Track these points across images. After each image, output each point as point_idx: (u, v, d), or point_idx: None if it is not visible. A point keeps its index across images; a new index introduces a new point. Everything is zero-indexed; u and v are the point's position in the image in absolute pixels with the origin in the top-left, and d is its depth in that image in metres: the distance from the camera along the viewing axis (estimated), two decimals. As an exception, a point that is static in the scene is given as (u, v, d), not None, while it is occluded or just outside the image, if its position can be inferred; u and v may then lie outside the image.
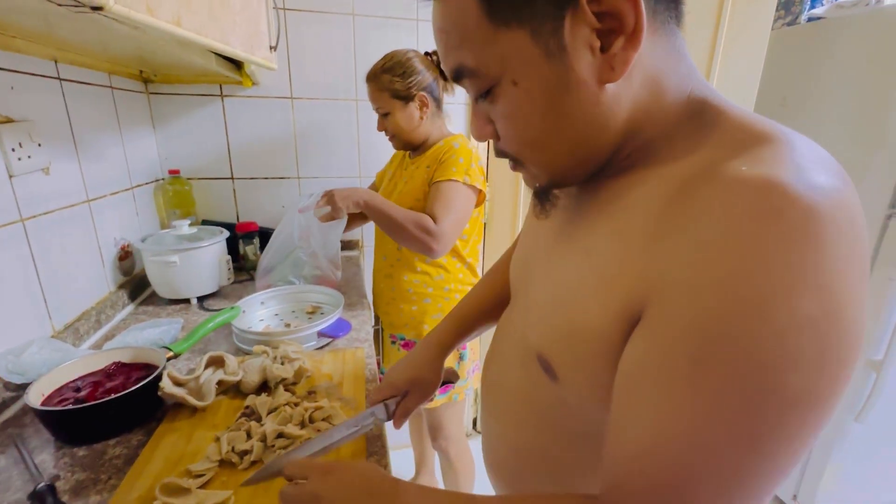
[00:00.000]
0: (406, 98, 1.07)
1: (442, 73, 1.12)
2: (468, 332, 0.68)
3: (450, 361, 1.17)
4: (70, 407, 0.64)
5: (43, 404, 0.65)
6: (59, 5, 0.47)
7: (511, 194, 1.69)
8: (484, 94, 0.37)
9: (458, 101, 1.57)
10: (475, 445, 1.25)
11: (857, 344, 0.28)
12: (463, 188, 1.05)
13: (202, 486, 0.56)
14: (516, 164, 0.41)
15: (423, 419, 1.48)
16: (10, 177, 0.78)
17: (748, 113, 0.35)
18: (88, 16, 0.54)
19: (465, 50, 0.35)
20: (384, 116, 1.11)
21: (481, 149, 1.63)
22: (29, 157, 0.81)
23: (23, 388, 0.66)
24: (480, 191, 1.09)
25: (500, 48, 0.33)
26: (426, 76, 1.08)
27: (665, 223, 0.32)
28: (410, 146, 1.16)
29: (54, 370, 0.70)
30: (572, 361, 0.39)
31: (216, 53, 0.96)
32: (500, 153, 0.41)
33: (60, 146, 0.92)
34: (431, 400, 0.68)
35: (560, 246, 0.44)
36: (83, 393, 0.68)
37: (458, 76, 0.37)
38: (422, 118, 1.10)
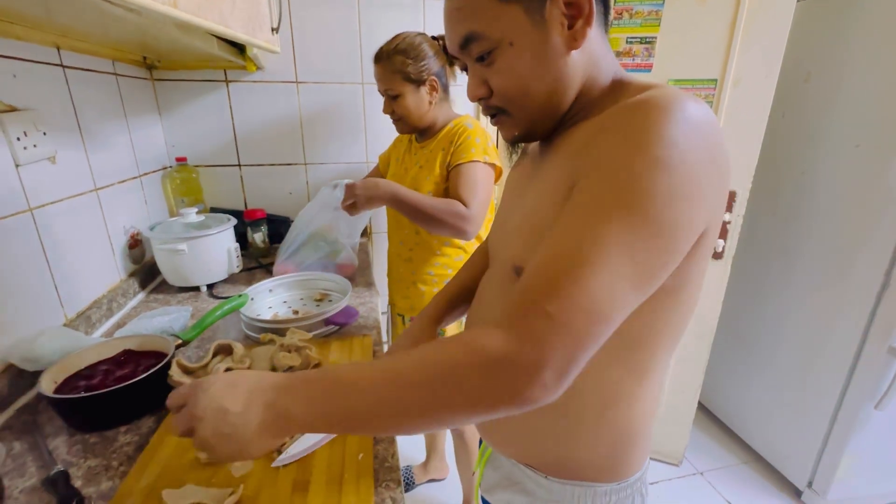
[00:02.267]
0: (418, 81, 1.05)
1: (448, 58, 1.09)
2: (459, 305, 0.74)
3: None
4: (81, 395, 0.65)
5: (55, 392, 0.66)
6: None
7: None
8: (483, 58, 0.48)
9: (463, 83, 1.53)
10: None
11: (695, 186, 0.39)
12: (483, 167, 1.04)
13: (212, 473, 0.56)
14: (500, 116, 0.52)
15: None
16: (17, 166, 0.78)
17: (647, 81, 0.48)
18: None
19: (476, 20, 0.47)
20: (393, 99, 1.08)
21: (491, 129, 1.60)
22: (34, 146, 0.81)
23: (36, 375, 0.67)
24: (498, 167, 1.08)
25: (503, 19, 0.46)
26: (436, 61, 1.06)
27: (590, 142, 0.45)
28: (416, 130, 1.14)
29: (66, 358, 0.71)
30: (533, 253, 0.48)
31: (217, 37, 0.94)
32: (489, 108, 0.52)
33: (66, 135, 0.92)
34: None
35: (529, 188, 0.56)
36: (94, 381, 0.69)
37: (466, 42, 0.48)
38: (431, 102, 1.08)
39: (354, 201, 1.04)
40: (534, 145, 0.61)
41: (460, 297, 0.74)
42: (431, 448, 1.66)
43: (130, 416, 0.68)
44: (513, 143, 0.56)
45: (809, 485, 1.55)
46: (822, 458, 1.50)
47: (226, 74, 1.36)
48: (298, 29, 1.36)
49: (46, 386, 0.65)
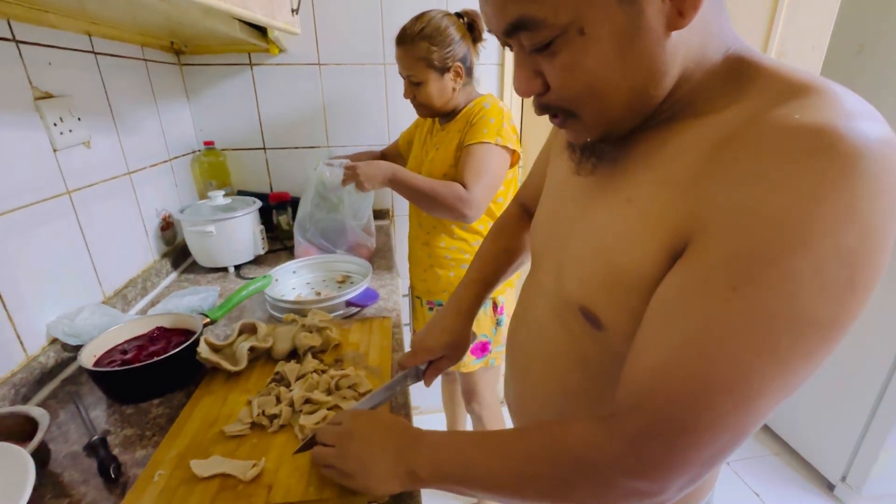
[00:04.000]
0: (442, 69, 1.02)
1: (473, 37, 1.06)
2: (491, 289, 0.72)
3: (486, 327, 1.17)
4: (116, 368, 0.68)
5: (94, 365, 0.70)
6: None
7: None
8: (541, 47, 0.36)
9: (488, 62, 1.49)
10: (507, 412, 1.26)
11: (880, 274, 0.30)
12: (495, 150, 1.01)
13: (236, 445, 0.59)
14: (566, 118, 0.40)
15: (457, 384, 1.50)
16: (55, 151, 0.81)
17: (786, 66, 0.36)
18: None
19: (534, 1, 0.34)
20: (416, 85, 1.05)
21: (514, 108, 1.56)
22: (70, 131, 0.85)
23: (78, 349, 0.72)
24: (514, 151, 1.05)
25: None
26: (461, 45, 1.02)
27: (711, 166, 0.34)
28: (437, 114, 1.12)
29: (104, 334, 0.75)
30: (617, 306, 0.40)
31: (239, 20, 0.94)
32: (546, 108, 0.40)
33: (99, 120, 0.95)
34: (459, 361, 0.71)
35: (596, 200, 0.45)
36: (129, 355, 0.73)
37: (514, 29, 0.36)
38: (454, 89, 1.05)
39: (354, 180, 1.04)
40: None
41: (495, 278, 0.71)
42: (453, 427, 1.68)
43: (162, 390, 0.72)
44: (583, 149, 0.45)
45: (843, 479, 1.50)
46: (858, 451, 1.44)
47: (250, 58, 1.37)
48: (320, 10, 1.35)
49: (86, 359, 0.70)
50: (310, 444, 0.54)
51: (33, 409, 0.58)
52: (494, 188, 1.03)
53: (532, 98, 0.41)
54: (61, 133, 0.82)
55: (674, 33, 0.34)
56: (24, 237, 0.73)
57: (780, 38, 1.16)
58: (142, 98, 1.14)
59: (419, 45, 1.00)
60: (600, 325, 0.43)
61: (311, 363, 0.73)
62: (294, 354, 0.78)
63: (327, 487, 0.52)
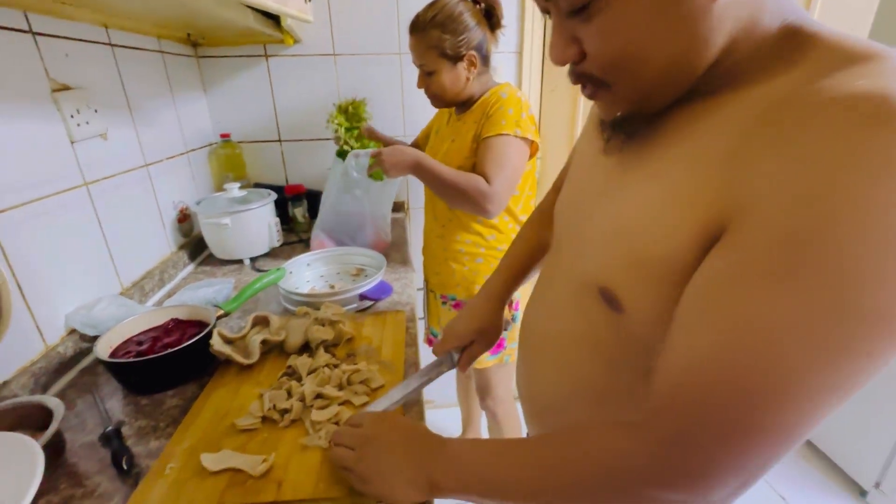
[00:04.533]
0: (455, 58, 0.99)
1: (490, 24, 1.02)
2: (523, 278, 0.71)
3: None
4: (131, 360, 0.69)
5: (110, 356, 0.71)
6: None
7: (565, 146, 1.57)
8: (578, 9, 0.34)
9: (506, 50, 1.45)
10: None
11: None
12: (514, 141, 0.97)
13: (247, 439, 0.58)
14: (598, 89, 0.39)
15: (472, 379, 1.48)
16: (72, 142, 0.82)
17: (844, 34, 0.32)
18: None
19: None
20: (428, 75, 1.03)
21: (532, 97, 1.52)
22: (87, 122, 0.85)
23: (96, 339, 0.72)
24: (533, 142, 1.01)
25: None
26: (477, 32, 0.99)
27: (753, 140, 0.31)
28: (452, 105, 1.09)
29: (120, 324, 0.76)
30: (640, 289, 0.38)
31: (252, 8, 0.93)
32: (581, 76, 0.39)
33: (116, 112, 0.95)
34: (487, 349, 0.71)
35: (621, 178, 0.43)
36: (144, 346, 0.73)
37: None
38: (468, 79, 1.02)
39: (379, 166, 1.02)
40: None
41: (527, 267, 0.70)
42: (468, 424, 1.67)
43: (176, 382, 0.72)
44: (614, 124, 0.42)
45: (877, 485, 1.43)
46: (893, 459, 1.37)
47: (265, 49, 1.37)
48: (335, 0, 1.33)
49: (102, 350, 0.70)
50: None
51: (49, 399, 0.58)
52: (514, 181, 1.00)
53: (568, 67, 0.39)
54: (78, 125, 0.83)
55: (721, 0, 0.31)
56: (43, 229, 0.74)
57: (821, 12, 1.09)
58: (159, 90, 1.14)
59: (431, 33, 0.97)
60: (620, 308, 0.41)
61: (323, 357, 0.72)
62: (306, 348, 0.77)
63: (337, 486, 0.51)
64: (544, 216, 0.71)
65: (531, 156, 1.04)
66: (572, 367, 0.49)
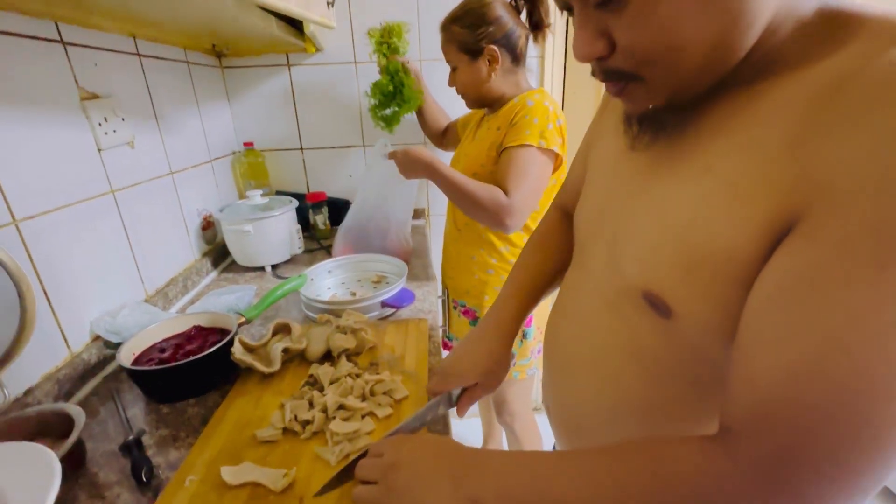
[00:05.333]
0: (474, 52, 0.97)
1: (532, 22, 0.98)
2: (532, 307, 0.64)
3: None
4: (153, 367, 0.68)
5: (133, 363, 0.70)
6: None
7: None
8: (607, 1, 0.32)
9: (530, 54, 1.43)
10: (541, 420, 1.20)
11: None
12: (537, 154, 0.92)
13: (268, 451, 0.56)
14: (629, 83, 0.36)
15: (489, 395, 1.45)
16: (99, 150, 0.82)
17: (889, 10, 0.30)
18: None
19: None
20: (453, 71, 1.02)
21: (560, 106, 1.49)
22: (114, 131, 0.86)
23: (119, 346, 0.72)
24: (558, 155, 0.96)
25: None
26: (502, 26, 0.95)
27: (815, 125, 0.29)
28: (481, 104, 1.06)
29: (142, 332, 0.75)
30: (697, 292, 0.35)
31: (275, 15, 0.93)
32: (609, 72, 0.36)
33: (143, 121, 0.97)
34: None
35: (661, 173, 0.40)
36: (166, 354, 0.72)
37: None
38: (490, 75, 0.99)
39: (397, 166, 1.00)
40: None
41: (536, 295, 0.63)
42: (489, 435, 1.63)
43: (197, 390, 0.71)
44: (641, 119, 0.40)
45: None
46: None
47: (288, 59, 1.38)
48: (356, 7, 1.34)
49: (125, 357, 0.69)
50: (338, 480, 0.48)
51: (71, 408, 0.58)
52: (537, 194, 0.96)
53: (593, 63, 0.36)
54: (106, 133, 0.83)
55: None
56: (70, 235, 0.74)
57: None
58: (184, 99, 1.16)
59: (451, 28, 0.97)
60: (668, 313, 0.38)
61: (345, 366, 0.70)
62: (328, 356, 0.75)
63: None
64: (546, 239, 0.66)
65: (555, 168, 0.99)
66: (613, 380, 0.45)
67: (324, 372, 0.68)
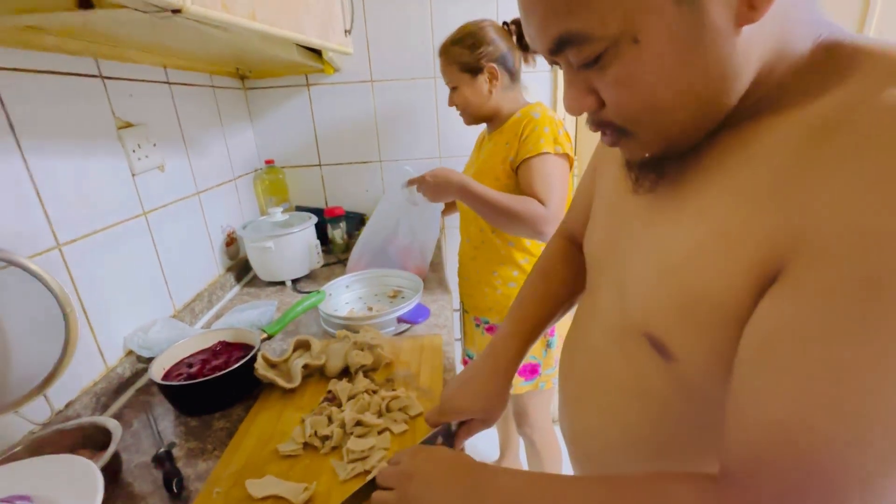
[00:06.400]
0: (474, 70, 1.01)
1: (520, 43, 1.04)
2: (533, 341, 0.63)
3: (536, 349, 1.11)
4: (181, 382, 0.72)
5: (163, 378, 0.74)
6: (144, 12, 0.49)
7: (602, 168, 1.54)
8: (591, 62, 0.33)
9: (540, 69, 1.45)
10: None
11: None
12: (555, 159, 0.97)
13: (289, 466, 0.59)
14: (621, 136, 0.37)
15: (509, 404, 1.45)
16: (133, 175, 0.88)
17: (891, 43, 0.30)
18: (172, 20, 0.57)
19: (575, 15, 0.31)
20: (453, 90, 1.07)
21: (568, 118, 1.50)
22: (147, 156, 0.91)
23: (151, 360, 0.76)
24: (570, 156, 1.01)
25: (623, 3, 0.29)
26: (499, 46, 1.01)
27: (805, 165, 0.28)
28: (480, 120, 1.10)
29: (171, 347, 0.79)
30: (691, 335, 0.36)
31: (296, 44, 0.98)
32: (602, 124, 0.37)
33: (172, 144, 1.02)
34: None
35: (660, 215, 0.40)
36: (194, 369, 0.76)
37: (559, 46, 0.33)
38: (491, 91, 1.03)
39: (423, 192, 1.03)
40: None
41: (538, 328, 0.63)
42: (506, 447, 1.63)
43: (223, 404, 0.74)
44: (641, 165, 0.40)
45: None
46: None
47: (307, 79, 1.43)
48: (372, 28, 1.39)
49: (156, 372, 0.74)
50: (368, 488, 0.51)
51: (108, 421, 0.62)
52: (566, 198, 0.99)
53: (586, 115, 0.37)
54: (139, 159, 0.89)
55: (745, 28, 0.29)
56: (106, 256, 0.79)
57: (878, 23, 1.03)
58: (210, 122, 1.21)
59: (451, 50, 1.02)
60: (670, 356, 0.38)
61: (362, 382, 0.73)
62: (346, 372, 0.78)
63: (377, 518, 0.50)
64: (550, 270, 0.65)
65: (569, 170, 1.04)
66: (619, 416, 0.45)
67: (342, 388, 0.71)
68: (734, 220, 0.32)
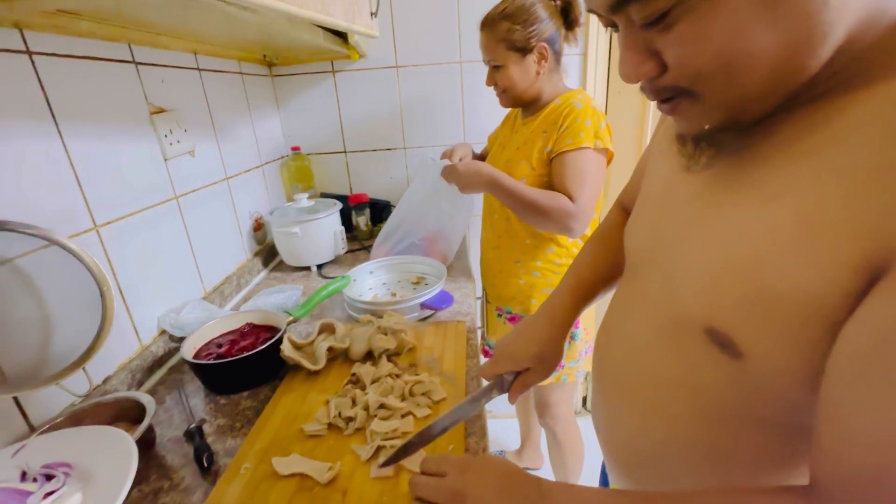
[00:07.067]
0: (524, 50, 0.95)
1: (566, 20, 0.98)
2: (590, 301, 0.63)
3: None
4: (211, 361, 0.74)
5: (194, 357, 0.76)
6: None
7: (633, 154, 1.49)
8: (656, 20, 0.30)
9: (570, 52, 1.41)
10: (584, 423, 1.18)
11: None
12: (594, 154, 0.93)
13: (314, 445, 0.60)
14: (683, 100, 0.33)
15: (531, 394, 1.44)
16: (165, 160, 0.90)
17: None
18: (199, 2, 0.57)
19: None
20: (496, 69, 1.00)
21: (598, 100, 1.46)
22: (178, 141, 0.93)
23: (182, 340, 0.78)
24: (608, 150, 0.96)
25: None
26: (549, 25, 0.95)
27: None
28: (521, 103, 1.05)
29: (202, 327, 0.81)
30: (767, 333, 0.32)
31: (322, 27, 0.98)
32: (661, 90, 0.33)
33: (202, 130, 1.04)
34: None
35: (720, 198, 0.36)
36: (223, 349, 0.78)
37: (621, 2, 0.30)
38: (538, 73, 0.98)
39: (454, 184, 1.02)
40: None
41: (594, 288, 0.62)
42: (527, 437, 1.63)
43: (250, 383, 0.76)
44: (697, 138, 0.37)
45: None
46: None
47: (332, 65, 1.43)
48: (398, 12, 1.37)
49: (187, 351, 0.76)
50: (398, 455, 0.53)
51: (143, 396, 0.64)
52: (598, 195, 0.96)
53: (641, 83, 0.34)
54: (171, 144, 0.91)
55: None
56: (141, 238, 0.82)
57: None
58: (238, 108, 1.23)
59: (500, 25, 0.95)
60: (737, 353, 0.35)
61: (385, 366, 0.73)
62: (370, 356, 0.79)
63: (401, 501, 0.50)
64: (608, 236, 0.65)
65: (607, 165, 0.99)
66: (666, 415, 0.42)
67: (366, 371, 0.71)
68: (822, 206, 0.29)
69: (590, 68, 1.42)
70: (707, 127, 0.34)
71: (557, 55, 0.99)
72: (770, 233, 0.31)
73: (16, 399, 0.59)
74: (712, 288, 0.36)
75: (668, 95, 0.33)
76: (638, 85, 0.35)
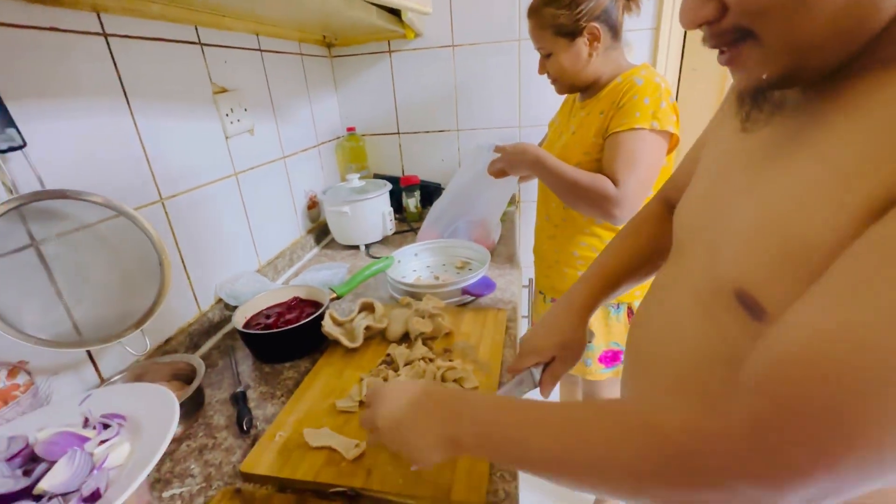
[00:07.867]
0: (573, 34, 0.88)
1: None
2: (613, 290, 0.62)
3: (620, 335, 1.03)
4: (258, 331, 0.77)
5: (244, 326, 0.81)
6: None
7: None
8: None
9: (641, 26, 1.29)
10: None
11: None
12: (650, 136, 0.84)
13: (345, 421, 0.61)
14: (744, 43, 0.32)
15: (578, 387, 1.39)
16: (227, 138, 0.94)
17: None
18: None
19: None
20: (546, 57, 0.94)
21: (670, 81, 1.33)
22: (239, 120, 0.98)
23: (235, 309, 0.83)
24: (673, 135, 0.87)
25: None
26: (601, 1, 0.88)
27: None
28: (577, 89, 0.98)
29: (253, 298, 0.86)
30: (789, 287, 0.31)
31: (375, 5, 0.97)
32: (721, 35, 0.32)
33: (262, 110, 1.08)
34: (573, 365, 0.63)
35: (768, 159, 0.36)
36: (270, 320, 0.82)
37: None
38: (591, 55, 0.90)
39: (502, 165, 0.98)
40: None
41: (618, 278, 0.61)
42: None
43: (292, 355, 0.79)
44: (756, 93, 0.35)
45: None
46: None
47: (389, 45, 1.43)
48: (457, -12, 1.33)
49: (238, 320, 0.80)
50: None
51: (194, 359, 0.69)
52: (650, 182, 0.87)
53: (703, 28, 0.33)
54: (231, 122, 0.95)
55: None
56: (202, 211, 0.87)
57: None
58: (297, 89, 1.27)
59: (544, 11, 0.89)
60: (761, 314, 0.34)
61: (420, 349, 0.73)
62: (406, 338, 0.79)
63: (424, 484, 0.50)
64: (640, 228, 0.63)
65: (670, 149, 0.89)
66: (698, 386, 0.41)
67: (400, 353, 0.71)
68: (854, 158, 0.28)
69: (661, 44, 1.30)
70: (766, 77, 0.32)
71: (614, 30, 0.90)
72: (803, 188, 0.31)
73: (89, 353, 0.66)
74: (747, 249, 0.35)
75: (730, 39, 0.32)
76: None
